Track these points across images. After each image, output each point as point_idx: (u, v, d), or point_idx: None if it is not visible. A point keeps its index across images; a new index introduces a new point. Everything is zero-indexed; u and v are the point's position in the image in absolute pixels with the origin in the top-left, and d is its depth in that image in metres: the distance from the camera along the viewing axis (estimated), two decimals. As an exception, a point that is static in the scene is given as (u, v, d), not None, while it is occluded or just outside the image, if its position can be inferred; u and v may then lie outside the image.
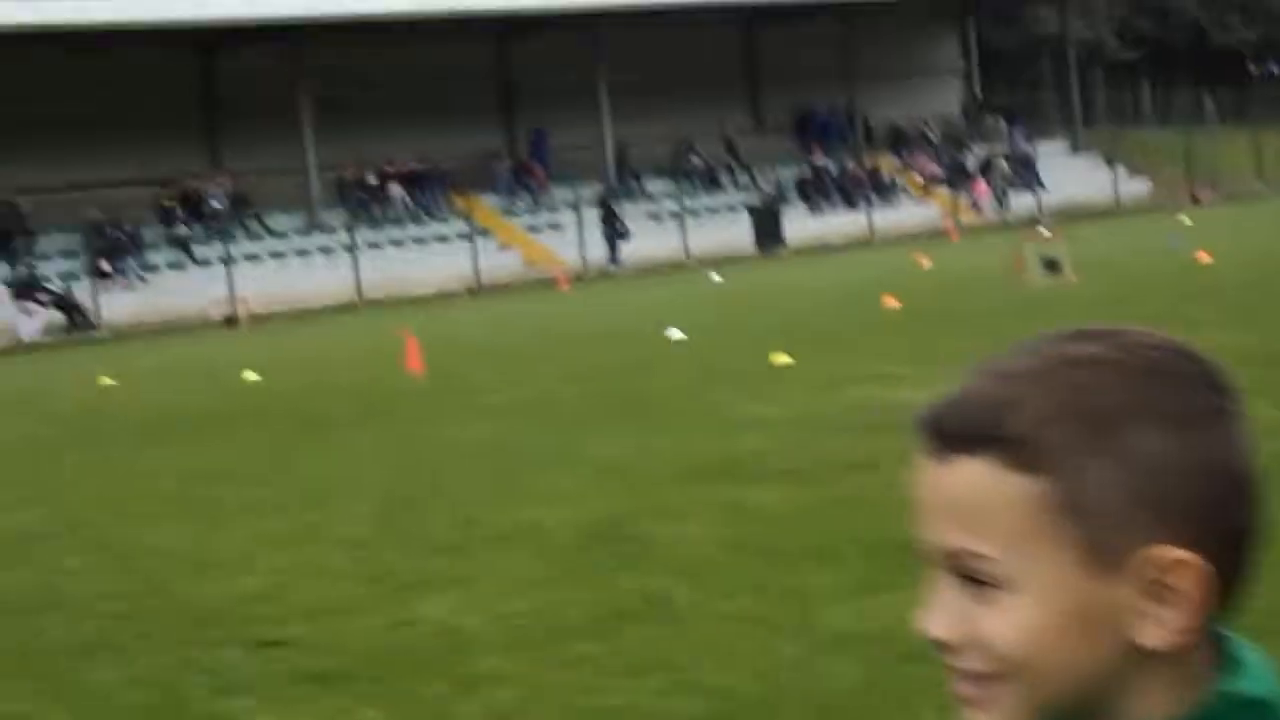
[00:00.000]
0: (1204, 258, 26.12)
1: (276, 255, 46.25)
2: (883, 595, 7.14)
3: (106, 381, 24.83)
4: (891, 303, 23.98)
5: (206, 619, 8.39)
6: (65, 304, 41.45)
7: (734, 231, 50.32)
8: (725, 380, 16.44)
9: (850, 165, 55.19)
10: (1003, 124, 59.73)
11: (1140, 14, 64.37)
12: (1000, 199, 55.07)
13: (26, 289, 41.65)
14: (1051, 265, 24.98)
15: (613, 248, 47.26)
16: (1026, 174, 56.06)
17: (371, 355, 25.61)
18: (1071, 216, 50.06)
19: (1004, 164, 56.38)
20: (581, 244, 46.81)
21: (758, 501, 9.78)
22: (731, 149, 55.40)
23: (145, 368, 28.36)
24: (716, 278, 38.76)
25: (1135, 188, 56.06)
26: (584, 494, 10.62)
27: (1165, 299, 20.32)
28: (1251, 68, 62.18)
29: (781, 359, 17.43)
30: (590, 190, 49.91)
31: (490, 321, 31.51)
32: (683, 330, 22.67)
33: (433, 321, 33.11)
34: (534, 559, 9.02)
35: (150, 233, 45.75)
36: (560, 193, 51.22)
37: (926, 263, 34.67)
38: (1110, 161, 56.90)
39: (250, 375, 22.92)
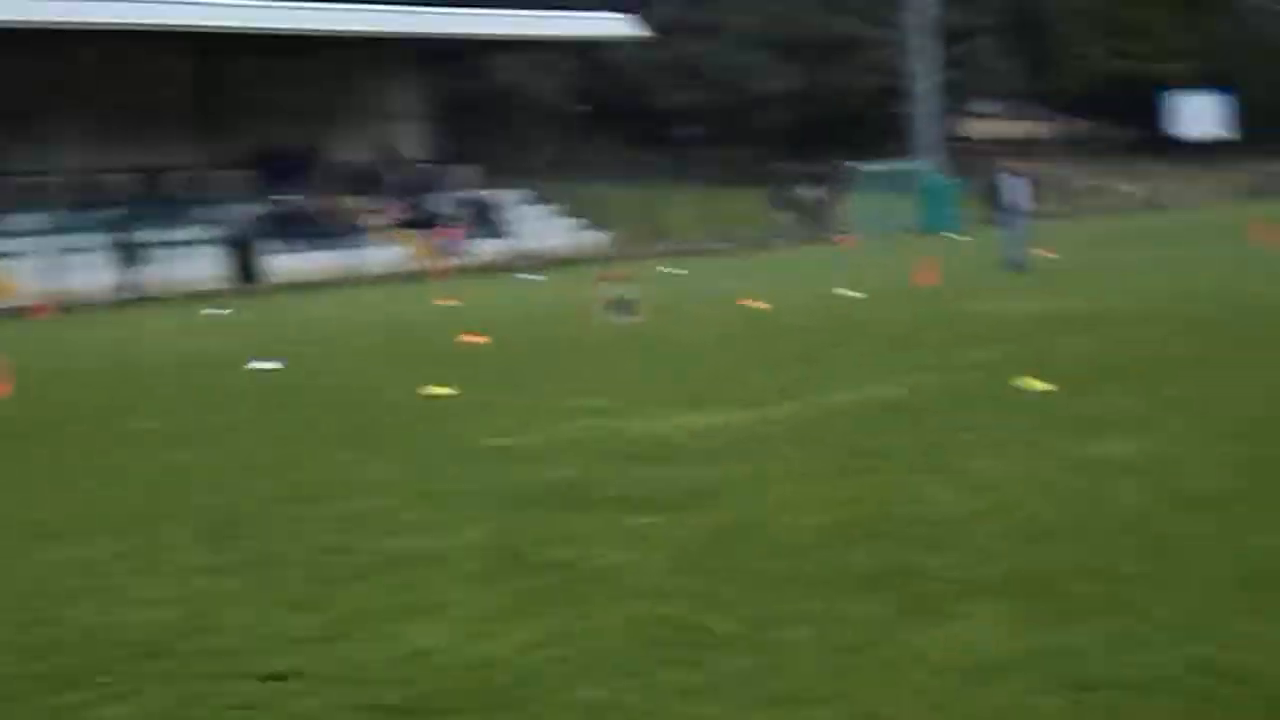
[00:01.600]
0: (759, 305, 27.03)
1: None
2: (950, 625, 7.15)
3: None
4: (475, 339, 23.72)
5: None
6: None
7: (203, 265, 48.71)
8: (407, 409, 15.88)
9: (313, 205, 54.43)
10: (463, 170, 60.38)
11: (589, 72, 66.52)
12: (467, 244, 55.53)
13: None
14: (624, 306, 25.46)
15: (133, 272, 45.04)
16: (491, 221, 56.85)
17: None
18: (538, 263, 51.17)
19: (467, 210, 56.99)
20: (57, 273, 44.28)
21: (655, 529, 9.50)
22: (194, 182, 53.72)
23: None
24: (223, 311, 37.33)
25: (595, 239, 57.71)
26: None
27: (762, 340, 21.04)
28: (680, 131, 65.16)
29: (439, 390, 16.99)
30: (51, 217, 47.41)
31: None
32: (265, 361, 21.81)
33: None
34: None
35: None
36: (17, 219, 48.32)
37: (451, 302, 34.57)
38: (572, 213, 58.49)
39: None
